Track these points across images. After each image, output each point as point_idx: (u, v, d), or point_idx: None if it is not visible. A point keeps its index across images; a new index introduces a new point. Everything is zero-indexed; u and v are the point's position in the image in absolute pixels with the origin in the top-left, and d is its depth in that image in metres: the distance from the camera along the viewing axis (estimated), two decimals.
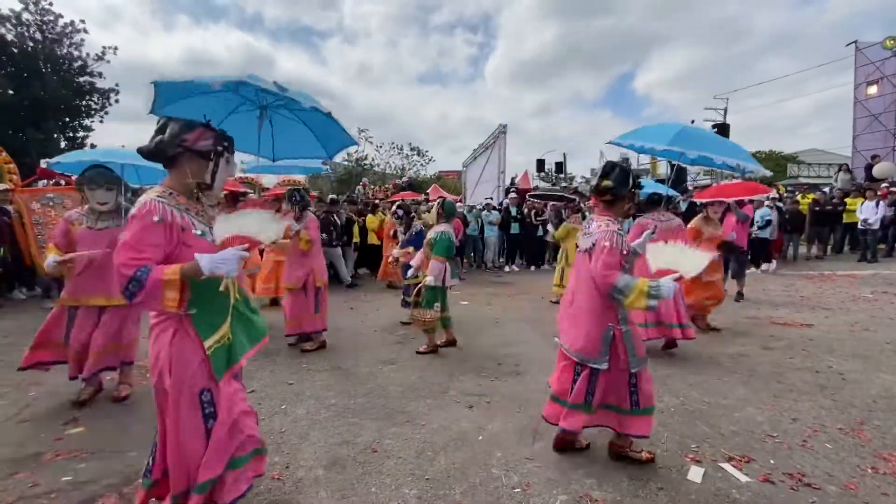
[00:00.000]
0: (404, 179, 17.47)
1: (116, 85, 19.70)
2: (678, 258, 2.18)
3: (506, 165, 14.20)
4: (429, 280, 4.22)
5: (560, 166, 25.54)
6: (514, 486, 2.28)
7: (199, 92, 1.89)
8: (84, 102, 19.03)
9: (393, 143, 31.85)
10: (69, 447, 2.63)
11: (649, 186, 6.61)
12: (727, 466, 2.43)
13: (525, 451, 2.61)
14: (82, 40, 18.54)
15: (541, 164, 24.51)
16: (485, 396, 3.38)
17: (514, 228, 10.70)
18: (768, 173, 3.38)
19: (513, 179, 17.05)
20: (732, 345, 4.54)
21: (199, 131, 1.73)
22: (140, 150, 1.74)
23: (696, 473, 2.37)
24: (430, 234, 4.48)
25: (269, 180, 10.08)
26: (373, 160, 26.12)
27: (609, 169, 2.37)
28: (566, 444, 2.59)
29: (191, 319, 1.70)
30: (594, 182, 2.43)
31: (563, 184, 23.13)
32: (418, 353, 4.36)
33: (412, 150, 31.95)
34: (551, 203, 9.86)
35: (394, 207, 6.60)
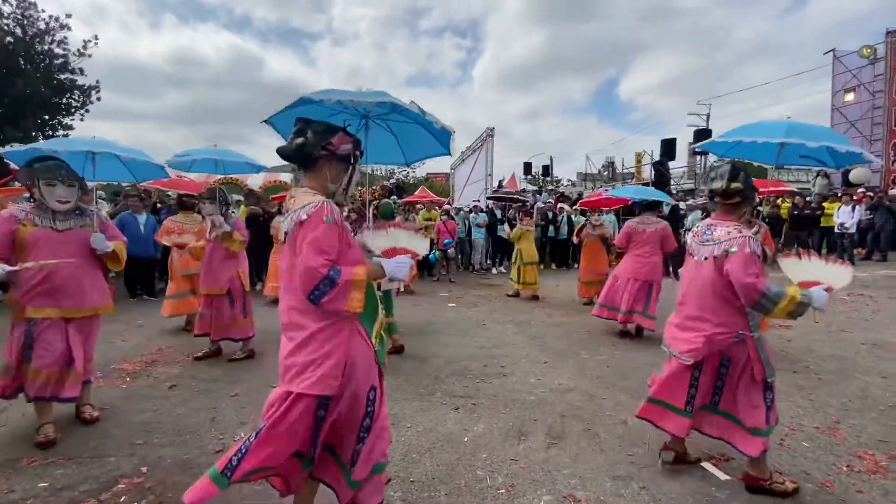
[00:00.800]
0: (392, 181, 17.41)
1: (97, 82, 19.29)
2: (820, 272, 2.17)
3: (493, 168, 14.26)
4: None
5: (547, 169, 25.77)
6: (499, 487, 2.29)
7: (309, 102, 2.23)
8: (64, 100, 18.60)
9: None
10: (46, 452, 2.57)
11: (636, 192, 6.70)
12: (707, 465, 2.47)
13: (510, 453, 2.62)
14: (65, 38, 18.13)
15: (528, 167, 24.70)
16: (471, 398, 3.39)
17: (500, 230, 10.77)
18: (875, 160, 3.27)
19: (500, 182, 17.13)
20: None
21: (341, 136, 1.74)
22: (281, 152, 1.76)
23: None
24: None
25: (254, 181, 9.96)
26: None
27: (735, 172, 2.26)
28: (680, 458, 2.46)
29: (359, 319, 1.72)
30: (717, 185, 2.28)
31: (550, 187, 23.31)
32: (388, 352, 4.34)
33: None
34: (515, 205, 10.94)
35: (346, 211, 6.72)
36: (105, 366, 4.01)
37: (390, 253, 1.87)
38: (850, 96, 16.29)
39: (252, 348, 4.31)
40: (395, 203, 8.85)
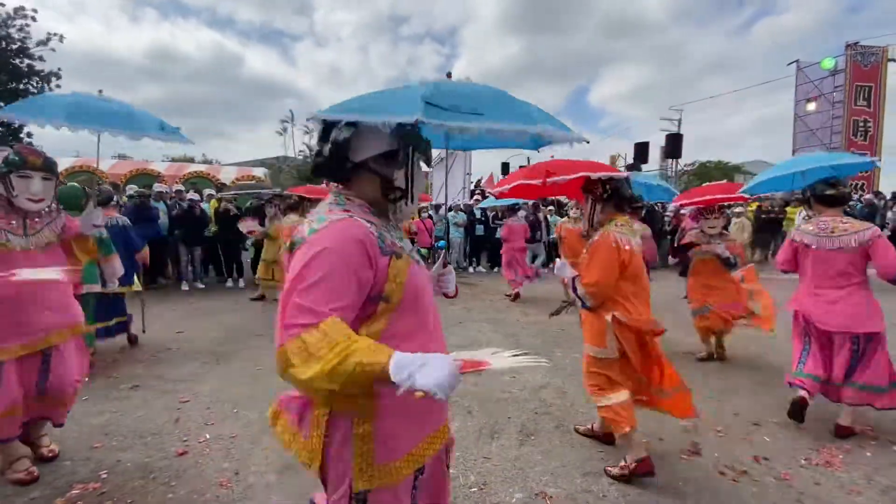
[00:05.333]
0: None
1: (59, 69, 18.50)
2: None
3: (471, 168, 14.31)
4: None
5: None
6: (472, 486, 2.28)
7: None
8: (22, 86, 17.74)
9: None
10: None
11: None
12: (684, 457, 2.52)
13: (483, 451, 2.62)
14: (27, 25, 17.37)
15: (506, 167, 24.84)
16: None
17: (479, 230, 10.79)
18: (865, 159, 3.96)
19: (478, 181, 17.18)
20: (683, 344, 4.74)
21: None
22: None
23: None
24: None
25: (226, 173, 9.72)
26: None
27: (836, 180, 2.86)
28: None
29: None
30: (828, 191, 2.85)
31: None
32: None
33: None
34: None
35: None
36: None
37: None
38: (811, 105, 17.01)
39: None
40: None
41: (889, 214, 10.35)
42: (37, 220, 2.28)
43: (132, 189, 8.38)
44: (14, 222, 2.19)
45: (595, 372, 2.43)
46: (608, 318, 2.30)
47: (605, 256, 2.27)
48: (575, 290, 2.38)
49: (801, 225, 2.99)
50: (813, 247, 2.81)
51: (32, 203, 2.21)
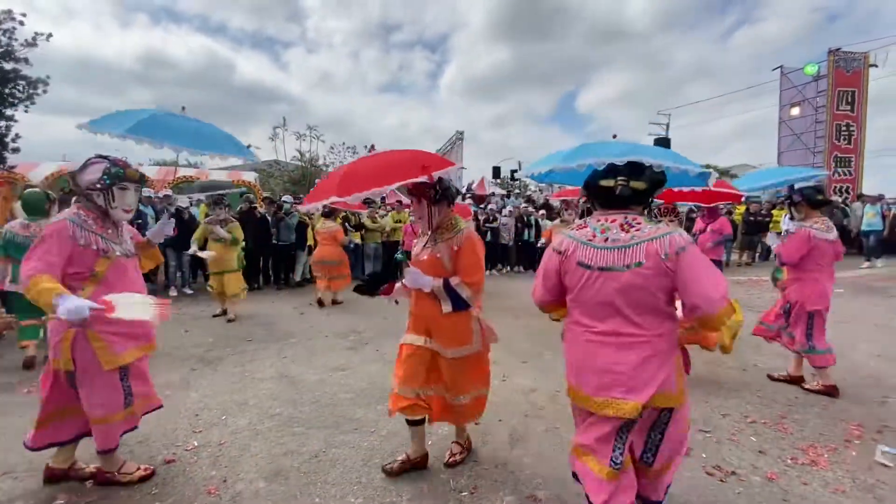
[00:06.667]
0: None
1: (47, 77, 18.29)
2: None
3: (463, 171, 14.34)
4: None
5: (514, 174, 26.12)
6: (462, 490, 2.28)
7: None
8: (7, 90, 17.49)
9: (344, 143, 30.89)
10: None
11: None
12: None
13: (474, 454, 2.62)
14: (13, 28, 17.16)
15: (496, 171, 24.97)
16: None
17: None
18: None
19: (469, 185, 17.23)
20: None
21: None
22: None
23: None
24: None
25: (216, 177, 9.64)
26: (324, 159, 25.47)
27: (821, 186, 3.08)
28: None
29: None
30: (818, 196, 3.51)
31: (517, 191, 23.66)
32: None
33: (368, 151, 31.19)
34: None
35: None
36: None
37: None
38: (795, 110, 17.28)
39: None
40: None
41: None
42: (120, 230, 2.33)
43: None
44: (110, 231, 2.24)
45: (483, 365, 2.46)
46: (476, 313, 2.33)
47: (480, 253, 2.30)
48: (452, 293, 2.23)
49: (815, 224, 3.48)
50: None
51: (125, 214, 2.28)
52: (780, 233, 3.92)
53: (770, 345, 4.79)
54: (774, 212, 11.63)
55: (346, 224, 8.67)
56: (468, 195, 13.53)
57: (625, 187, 1.72)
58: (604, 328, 1.71)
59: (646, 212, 1.83)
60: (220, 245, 5.80)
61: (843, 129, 15.91)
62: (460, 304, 2.24)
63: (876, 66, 16.02)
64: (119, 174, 2.19)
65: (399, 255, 2.51)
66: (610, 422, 1.69)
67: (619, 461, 1.68)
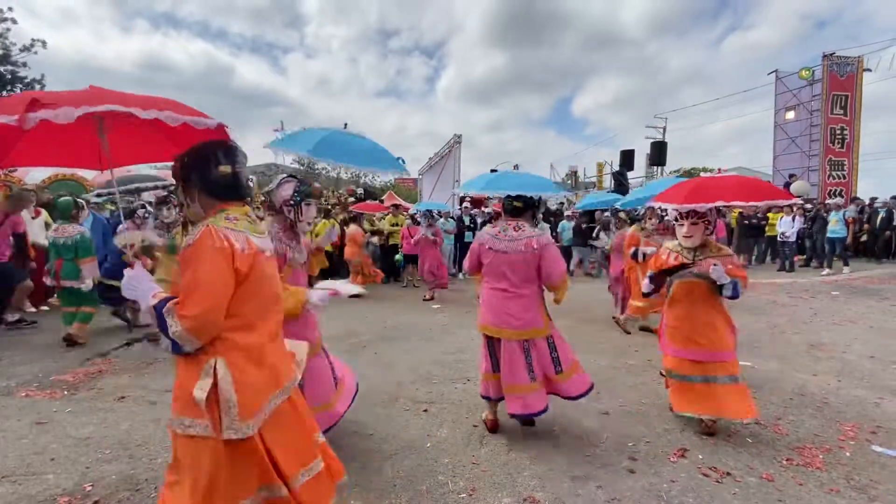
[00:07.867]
0: (360, 190, 17.11)
1: (42, 77, 18.30)
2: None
3: (460, 175, 14.35)
4: None
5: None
6: (460, 492, 2.30)
7: None
8: (4, 93, 17.50)
9: None
10: None
11: (593, 198, 6.87)
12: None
13: (472, 457, 2.63)
14: (8, 29, 17.18)
15: (493, 173, 24.99)
16: (434, 403, 3.39)
17: (468, 237, 10.82)
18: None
19: None
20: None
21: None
22: None
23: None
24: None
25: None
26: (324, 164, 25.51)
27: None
28: None
29: None
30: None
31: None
32: None
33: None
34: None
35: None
36: (44, 377, 3.76)
37: None
38: (790, 114, 17.43)
39: None
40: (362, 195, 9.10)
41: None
42: (300, 240, 2.57)
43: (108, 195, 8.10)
44: (294, 242, 2.47)
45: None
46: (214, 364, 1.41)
47: (209, 267, 1.39)
48: (164, 325, 1.39)
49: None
50: None
51: (308, 227, 2.56)
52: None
53: (764, 349, 4.83)
54: (770, 215, 11.71)
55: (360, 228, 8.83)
56: (466, 198, 13.53)
57: (509, 205, 2.92)
58: (499, 286, 2.81)
59: (532, 219, 2.91)
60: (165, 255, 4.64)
61: (838, 132, 16.04)
62: (175, 345, 1.40)
63: (870, 70, 16.18)
64: (307, 192, 2.47)
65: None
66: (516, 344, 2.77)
67: (534, 375, 2.78)
